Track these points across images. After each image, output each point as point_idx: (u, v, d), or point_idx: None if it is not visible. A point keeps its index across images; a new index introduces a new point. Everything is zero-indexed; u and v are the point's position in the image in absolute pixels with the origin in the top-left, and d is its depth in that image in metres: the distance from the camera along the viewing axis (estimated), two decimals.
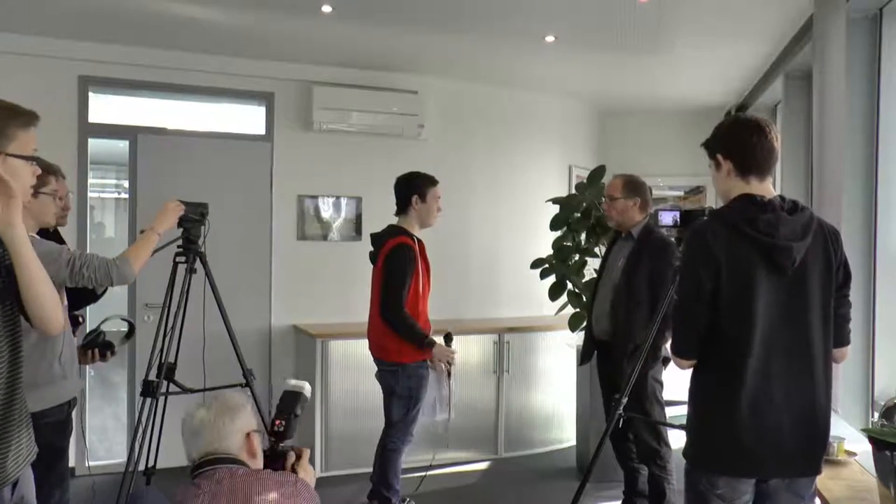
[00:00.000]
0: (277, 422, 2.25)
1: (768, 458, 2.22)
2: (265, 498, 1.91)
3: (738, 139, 2.30)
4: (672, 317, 2.32)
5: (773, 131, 2.30)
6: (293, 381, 2.39)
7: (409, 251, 4.00)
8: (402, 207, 4.14)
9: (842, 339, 2.34)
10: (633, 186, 4.09)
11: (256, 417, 2.21)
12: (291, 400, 2.32)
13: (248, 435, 2.09)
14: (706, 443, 2.29)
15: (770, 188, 2.31)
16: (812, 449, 2.27)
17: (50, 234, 3.05)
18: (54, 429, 2.74)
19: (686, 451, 2.35)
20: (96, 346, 2.90)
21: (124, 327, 3.47)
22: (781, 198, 2.27)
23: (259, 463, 2.12)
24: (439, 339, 4.10)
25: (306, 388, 2.36)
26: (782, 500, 2.27)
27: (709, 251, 2.19)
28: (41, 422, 2.62)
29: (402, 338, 3.98)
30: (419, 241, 4.12)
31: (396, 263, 3.98)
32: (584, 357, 4.36)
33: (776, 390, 2.20)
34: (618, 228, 4.18)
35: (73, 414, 2.94)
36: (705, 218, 3.18)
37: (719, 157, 2.31)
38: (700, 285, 2.20)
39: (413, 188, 4.10)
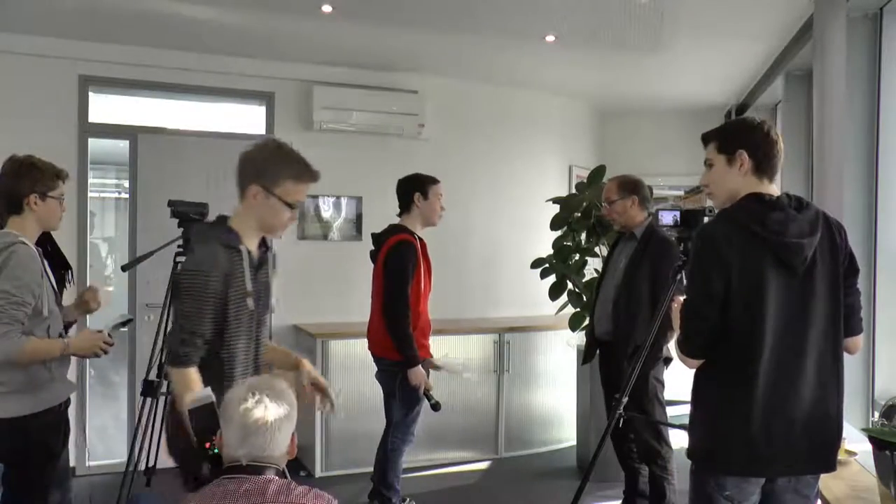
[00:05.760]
0: (208, 444, 2.00)
1: (779, 458, 2.21)
2: None
3: (763, 139, 2.30)
4: (680, 317, 2.28)
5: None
6: (190, 396, 2.12)
7: (411, 248, 3.98)
8: (405, 206, 4.13)
9: (853, 329, 2.32)
10: (628, 186, 4.09)
11: None
12: (206, 414, 2.03)
13: (292, 436, 2.00)
14: (716, 443, 2.24)
15: (776, 188, 2.31)
16: (824, 446, 2.26)
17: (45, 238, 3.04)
18: (48, 429, 2.77)
19: (692, 452, 2.31)
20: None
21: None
22: (787, 195, 2.27)
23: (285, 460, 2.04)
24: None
25: (206, 396, 2.08)
26: (787, 501, 2.26)
27: (718, 252, 2.17)
28: (35, 423, 2.70)
29: (394, 339, 3.93)
30: (421, 240, 4.11)
31: (398, 260, 3.95)
32: (586, 357, 4.36)
33: (789, 389, 2.19)
34: (622, 230, 4.17)
35: (71, 414, 2.94)
36: (706, 217, 3.18)
37: (743, 153, 2.28)
38: (710, 286, 2.18)
39: (415, 186, 4.09)
